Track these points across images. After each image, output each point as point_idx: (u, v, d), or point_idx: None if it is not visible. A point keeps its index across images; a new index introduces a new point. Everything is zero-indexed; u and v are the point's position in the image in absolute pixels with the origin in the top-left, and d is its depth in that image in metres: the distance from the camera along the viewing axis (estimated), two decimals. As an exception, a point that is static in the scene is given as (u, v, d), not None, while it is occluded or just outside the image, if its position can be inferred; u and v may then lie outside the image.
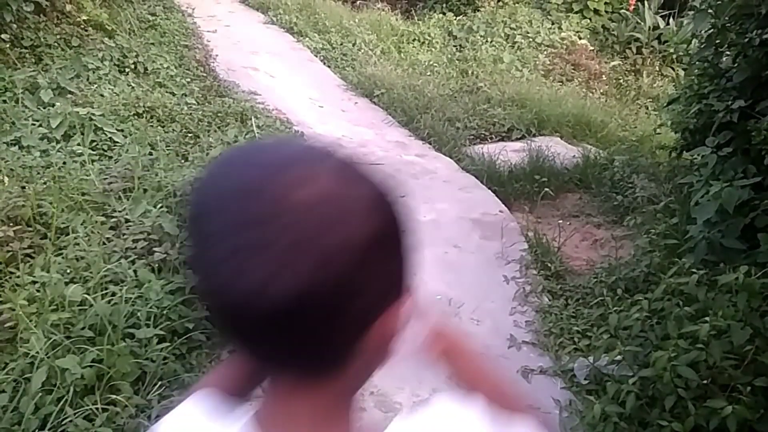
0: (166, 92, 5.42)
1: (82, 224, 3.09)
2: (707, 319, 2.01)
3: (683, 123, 3.46)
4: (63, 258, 2.81)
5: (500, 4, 9.26)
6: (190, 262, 0.54)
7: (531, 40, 8.69)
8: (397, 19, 9.34)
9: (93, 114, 4.34)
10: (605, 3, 9.18)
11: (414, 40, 8.72)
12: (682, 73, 6.85)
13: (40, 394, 2.09)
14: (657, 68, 8.44)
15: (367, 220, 0.52)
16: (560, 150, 5.31)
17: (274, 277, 0.48)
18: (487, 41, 8.52)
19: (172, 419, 0.71)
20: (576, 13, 9.21)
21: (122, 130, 4.41)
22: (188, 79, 5.92)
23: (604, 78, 8.26)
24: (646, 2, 8.84)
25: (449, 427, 0.61)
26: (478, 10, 9.22)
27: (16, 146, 3.97)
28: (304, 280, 0.48)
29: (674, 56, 8.14)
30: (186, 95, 5.50)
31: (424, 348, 0.83)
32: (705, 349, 1.95)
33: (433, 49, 8.53)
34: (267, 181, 0.51)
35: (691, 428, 1.91)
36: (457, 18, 9.21)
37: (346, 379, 0.58)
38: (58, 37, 5.35)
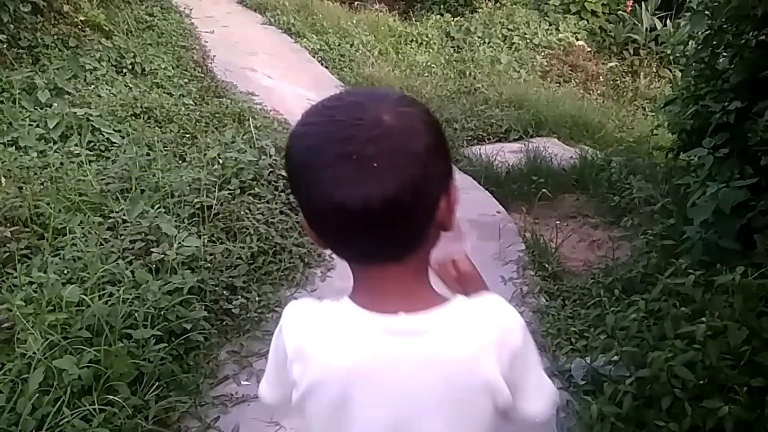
0: (164, 93, 5.42)
1: (79, 225, 3.08)
2: (704, 319, 2.01)
3: (680, 124, 3.46)
4: (60, 258, 2.80)
5: (498, 5, 9.28)
6: (301, 190, 0.76)
7: (528, 41, 8.70)
8: (394, 20, 9.34)
9: (90, 114, 4.33)
10: (602, 4, 9.20)
11: (411, 41, 8.72)
12: (679, 74, 6.88)
13: (38, 394, 2.09)
14: (654, 69, 8.46)
15: (425, 136, 0.74)
16: (557, 151, 5.32)
17: (378, 183, 0.70)
18: (484, 42, 8.54)
19: (289, 308, 0.87)
20: (573, 14, 9.23)
21: (120, 131, 4.41)
22: (186, 80, 5.92)
23: (602, 79, 8.28)
24: (643, 4, 8.86)
25: (482, 311, 0.83)
26: (476, 11, 9.23)
27: (13, 147, 3.97)
28: (404, 179, 0.71)
29: (671, 57, 8.16)
30: (183, 96, 5.50)
31: (442, 268, 1.04)
32: (702, 350, 1.95)
33: (431, 50, 8.54)
34: (359, 116, 0.72)
35: (687, 428, 1.91)
36: (455, 19, 9.22)
37: (423, 256, 0.82)
38: (56, 37, 5.35)
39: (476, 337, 0.80)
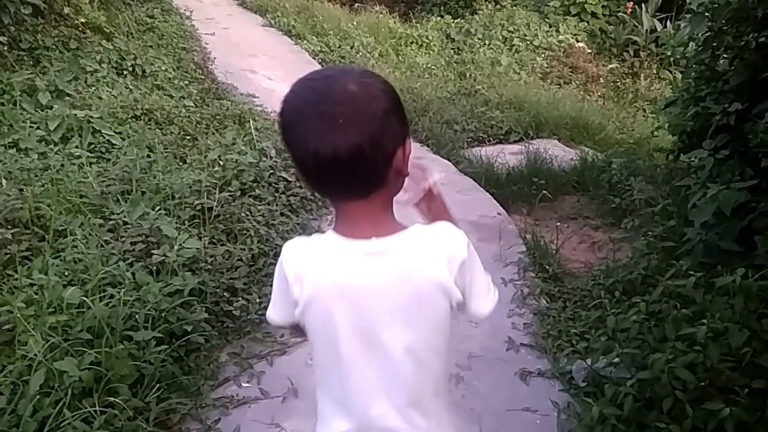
0: (164, 95, 5.43)
1: (80, 227, 3.09)
2: (705, 321, 2.02)
3: (680, 126, 3.47)
4: (61, 260, 2.81)
5: (498, 7, 9.29)
6: (289, 142, 0.98)
7: (529, 42, 8.71)
8: (395, 22, 9.36)
9: (91, 116, 4.34)
10: (603, 6, 9.21)
11: (412, 42, 8.73)
12: (679, 76, 6.88)
13: (39, 396, 2.09)
14: (654, 71, 8.46)
15: (384, 95, 0.98)
16: (558, 152, 5.32)
17: (343, 135, 0.92)
18: (484, 44, 8.54)
19: (287, 245, 1.11)
20: (573, 16, 9.23)
21: (120, 133, 4.42)
22: (186, 82, 5.92)
23: (602, 81, 8.28)
24: (643, 5, 8.86)
25: (439, 239, 1.06)
26: (476, 13, 9.24)
27: (14, 149, 3.97)
28: (363, 132, 0.93)
29: (671, 59, 8.16)
30: (184, 98, 5.50)
31: (420, 202, 1.25)
32: (702, 352, 1.95)
33: (431, 52, 8.54)
34: (330, 85, 0.95)
35: (689, 430, 1.91)
36: (455, 21, 9.23)
37: (385, 193, 1.04)
38: (56, 39, 5.35)
39: (430, 251, 1.04)
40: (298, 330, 1.16)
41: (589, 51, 8.86)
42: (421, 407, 1.11)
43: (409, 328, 1.06)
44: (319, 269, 1.05)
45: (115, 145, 4.26)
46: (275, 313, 1.18)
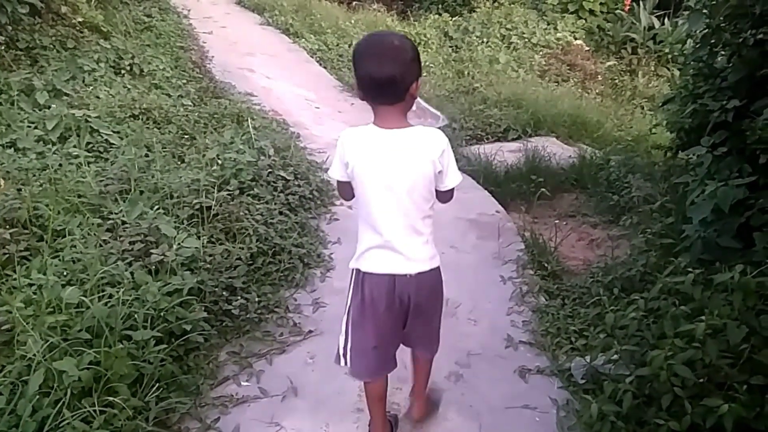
0: (162, 94, 5.42)
1: (78, 226, 3.08)
2: (703, 318, 2.02)
3: (678, 123, 3.47)
4: (59, 260, 2.80)
5: (496, 4, 9.29)
6: (356, 68, 1.74)
7: (527, 40, 8.71)
8: (393, 20, 9.35)
9: (89, 116, 4.33)
10: (600, 3, 9.22)
11: (410, 40, 8.73)
12: (677, 73, 6.88)
13: (38, 396, 2.09)
14: (652, 68, 8.47)
15: (411, 50, 1.75)
16: (556, 150, 5.33)
17: (386, 68, 1.69)
18: (483, 42, 8.54)
19: (344, 132, 1.85)
20: (571, 13, 9.24)
21: (118, 132, 4.41)
22: (184, 81, 5.92)
23: (600, 78, 8.29)
24: (641, 2, 8.87)
25: (431, 134, 1.81)
26: (474, 11, 9.24)
27: (12, 148, 3.97)
28: (396, 69, 1.69)
29: (669, 56, 8.17)
30: (182, 97, 5.49)
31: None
32: (701, 348, 1.95)
33: (429, 50, 8.54)
34: (385, 39, 1.77)
35: (687, 427, 1.91)
36: (453, 19, 9.23)
37: (403, 105, 1.78)
38: (54, 39, 5.34)
39: (425, 139, 1.80)
40: (345, 190, 1.95)
41: (587, 48, 8.87)
42: (415, 229, 1.89)
43: (410, 181, 1.81)
44: (362, 145, 1.81)
45: (113, 144, 4.25)
46: (335, 172, 1.90)
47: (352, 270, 2.03)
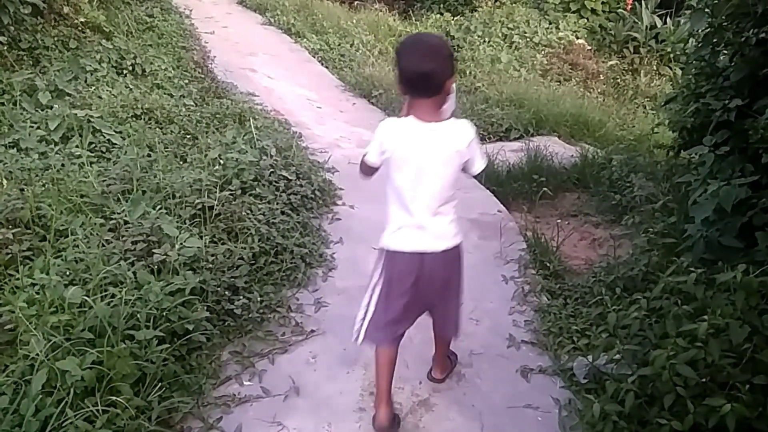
0: (164, 94, 5.43)
1: (81, 226, 3.09)
2: (706, 317, 2.02)
3: (681, 122, 3.47)
4: (62, 260, 2.81)
5: (498, 4, 9.28)
6: (400, 63, 2.00)
7: (528, 39, 8.70)
8: (394, 20, 9.35)
9: (91, 116, 4.34)
10: (602, 2, 9.21)
11: (412, 40, 8.71)
12: (679, 72, 6.87)
13: (41, 396, 2.09)
14: (654, 67, 8.46)
15: (447, 49, 2.04)
16: (558, 149, 5.32)
17: (425, 64, 1.96)
18: (484, 41, 8.53)
19: (383, 122, 2.08)
20: (573, 12, 9.23)
21: (120, 132, 4.42)
22: (186, 81, 5.92)
23: (602, 77, 8.28)
24: (643, 2, 8.85)
25: (461, 128, 2.08)
26: (476, 11, 9.24)
27: (15, 148, 3.98)
28: (434, 65, 1.97)
29: (671, 55, 8.16)
30: (184, 97, 5.50)
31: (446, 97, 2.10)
32: (704, 348, 1.95)
33: (431, 50, 8.52)
34: (425, 40, 2.12)
35: (690, 427, 1.91)
36: (455, 18, 9.23)
37: (438, 99, 2.03)
38: (56, 39, 5.35)
39: (455, 132, 2.04)
40: (369, 170, 2.21)
41: (589, 48, 8.86)
42: (442, 211, 2.14)
43: (440, 169, 2.06)
44: (399, 135, 2.04)
45: (116, 144, 4.26)
46: (371, 156, 2.13)
47: (381, 249, 2.22)
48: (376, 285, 2.23)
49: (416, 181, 2.06)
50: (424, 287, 2.19)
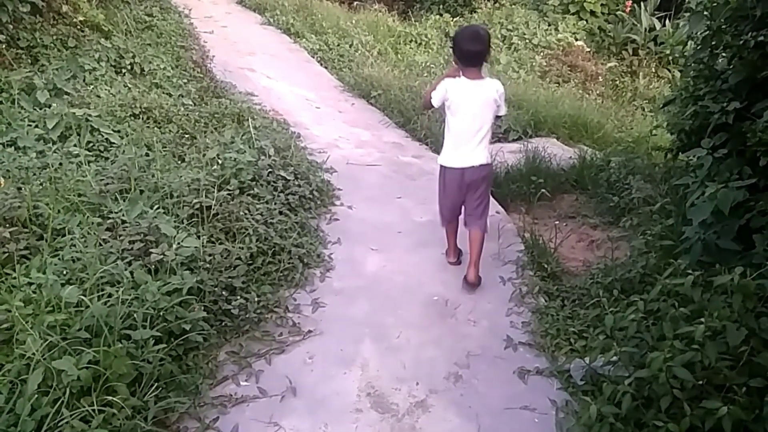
0: (163, 93, 5.42)
1: (78, 225, 3.08)
2: (703, 320, 2.02)
3: (679, 124, 3.47)
4: (59, 259, 2.80)
5: (497, 5, 9.29)
6: (459, 45, 3.17)
7: (527, 41, 8.71)
8: (394, 20, 9.35)
9: (89, 115, 4.33)
10: (601, 4, 9.21)
11: (411, 41, 8.73)
12: (677, 74, 6.88)
13: (37, 395, 2.09)
14: (653, 70, 8.47)
15: (488, 36, 3.23)
16: (557, 151, 5.32)
17: (477, 46, 3.15)
18: (483, 42, 8.51)
19: (446, 79, 3.25)
20: (572, 14, 9.24)
21: (119, 131, 4.41)
22: (185, 80, 5.92)
23: (601, 79, 8.28)
24: (642, 4, 8.87)
25: (494, 83, 3.25)
26: (475, 12, 9.25)
27: (13, 147, 3.97)
28: (482, 46, 3.16)
29: (670, 58, 8.17)
30: (183, 96, 5.50)
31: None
32: (700, 350, 1.95)
33: (430, 50, 8.54)
34: (477, 30, 3.23)
35: (686, 429, 1.91)
36: (454, 19, 9.23)
37: (481, 67, 3.22)
38: (55, 37, 5.34)
39: (491, 86, 3.20)
40: (428, 108, 3.39)
41: (588, 49, 8.87)
42: (481, 139, 3.24)
43: (481, 110, 3.19)
44: (456, 89, 3.17)
45: (114, 143, 4.25)
46: (435, 101, 3.24)
47: (440, 166, 3.40)
48: (439, 188, 3.46)
49: (466, 118, 3.22)
50: (465, 189, 3.35)
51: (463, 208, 3.46)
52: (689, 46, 3.81)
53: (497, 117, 3.32)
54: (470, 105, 3.16)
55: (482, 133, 3.22)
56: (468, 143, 3.23)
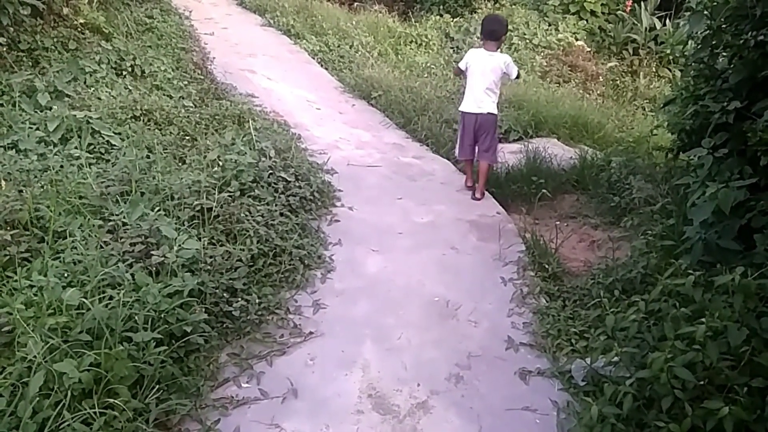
0: (164, 95, 5.42)
1: (79, 228, 3.09)
2: (704, 320, 2.02)
3: (680, 124, 3.47)
4: (60, 262, 2.81)
5: (497, 5, 9.28)
6: (484, 26, 4.68)
7: (528, 41, 8.70)
8: (394, 21, 9.35)
9: (90, 117, 4.34)
10: (602, 4, 9.20)
11: (411, 42, 8.72)
12: (678, 74, 6.87)
13: (38, 398, 2.09)
14: (653, 69, 8.45)
15: (505, 21, 4.90)
16: (557, 151, 5.32)
17: (496, 26, 4.64)
18: (484, 43, 8.50)
19: (470, 51, 4.84)
20: (573, 14, 9.22)
21: (119, 134, 4.42)
22: (185, 82, 5.92)
23: (601, 79, 8.27)
24: (642, 3, 8.86)
25: (503, 56, 4.69)
26: (475, 12, 9.23)
27: (14, 150, 3.97)
28: (500, 27, 4.67)
29: (670, 57, 8.16)
30: (183, 98, 5.50)
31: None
32: (702, 350, 1.95)
33: (431, 51, 8.54)
34: (497, 16, 5.48)
35: (688, 429, 1.91)
36: (454, 20, 9.23)
37: (497, 43, 4.65)
38: (55, 40, 5.34)
39: (501, 58, 4.60)
40: (458, 72, 4.85)
41: (589, 49, 8.86)
42: (490, 94, 4.58)
43: (491, 71, 4.54)
44: (475, 56, 4.61)
45: (115, 145, 4.26)
46: (462, 64, 4.66)
47: (460, 112, 4.66)
48: (459, 129, 4.71)
49: (479, 76, 4.51)
50: (477, 130, 4.55)
51: (476, 148, 4.65)
52: (689, 45, 3.81)
53: (512, 79, 4.75)
54: (482, 68, 4.48)
55: (489, 88, 4.50)
56: (479, 95, 4.50)
